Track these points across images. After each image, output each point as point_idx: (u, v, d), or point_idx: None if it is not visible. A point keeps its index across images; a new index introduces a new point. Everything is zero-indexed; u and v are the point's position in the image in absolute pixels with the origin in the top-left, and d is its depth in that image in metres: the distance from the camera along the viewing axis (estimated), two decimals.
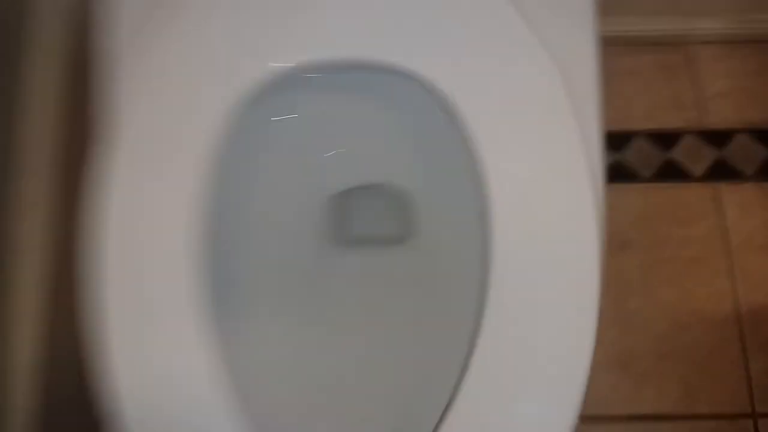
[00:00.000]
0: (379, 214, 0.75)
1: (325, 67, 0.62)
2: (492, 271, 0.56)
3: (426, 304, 0.71)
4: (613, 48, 1.02)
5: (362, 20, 0.61)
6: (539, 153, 0.59)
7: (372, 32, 0.61)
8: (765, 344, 1.00)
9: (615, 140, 1.08)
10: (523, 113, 0.59)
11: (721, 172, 1.07)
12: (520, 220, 0.58)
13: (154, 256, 0.56)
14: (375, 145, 0.73)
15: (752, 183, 1.07)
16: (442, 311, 0.69)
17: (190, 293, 0.55)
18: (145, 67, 0.58)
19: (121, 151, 0.57)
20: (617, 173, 1.07)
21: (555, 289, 0.57)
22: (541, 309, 0.56)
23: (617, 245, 1.03)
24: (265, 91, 0.60)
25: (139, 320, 0.55)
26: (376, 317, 0.72)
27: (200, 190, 0.57)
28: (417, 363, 0.69)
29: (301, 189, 0.73)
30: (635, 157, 1.08)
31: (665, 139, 1.09)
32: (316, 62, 0.61)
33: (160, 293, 0.55)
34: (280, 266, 0.72)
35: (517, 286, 0.57)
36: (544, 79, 0.59)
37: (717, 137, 1.09)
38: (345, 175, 0.74)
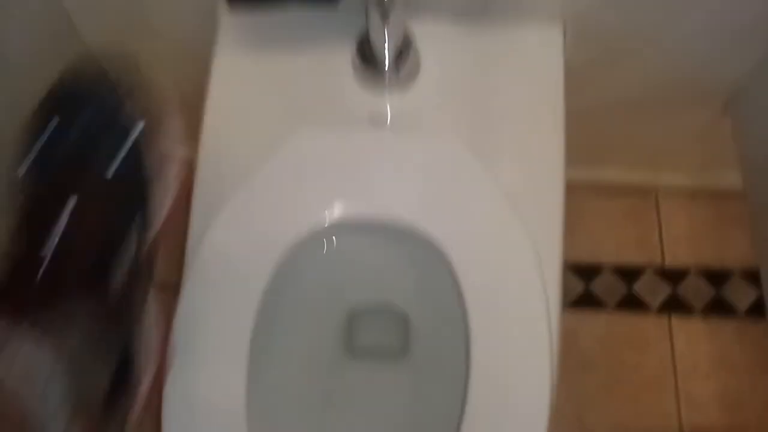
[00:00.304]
0: (383, 331, 0.88)
1: (358, 224, 0.79)
2: (469, 388, 0.70)
3: (417, 408, 0.84)
4: (589, 192, 1.18)
5: (391, 189, 0.78)
6: (507, 294, 0.75)
7: (396, 201, 0.78)
8: None
9: (585, 272, 1.20)
10: (495, 266, 0.76)
11: (674, 306, 1.18)
12: (491, 346, 0.72)
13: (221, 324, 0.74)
14: (385, 274, 0.88)
15: (700, 317, 1.17)
16: (431, 416, 0.82)
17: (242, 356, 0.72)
18: (229, 208, 0.77)
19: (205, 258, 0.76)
20: (585, 301, 1.18)
21: (514, 404, 0.71)
22: (503, 419, 0.71)
23: (581, 365, 1.13)
24: (310, 234, 0.78)
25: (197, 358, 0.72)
26: (376, 415, 0.85)
27: (258, 296, 0.74)
28: None
29: (322, 306, 0.87)
30: (601, 288, 1.19)
31: (628, 273, 1.20)
32: (350, 221, 0.78)
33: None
34: (300, 368, 0.85)
35: (488, 401, 0.71)
36: (515, 236, 0.76)
37: (673, 275, 1.20)
38: (358, 296, 0.89)
